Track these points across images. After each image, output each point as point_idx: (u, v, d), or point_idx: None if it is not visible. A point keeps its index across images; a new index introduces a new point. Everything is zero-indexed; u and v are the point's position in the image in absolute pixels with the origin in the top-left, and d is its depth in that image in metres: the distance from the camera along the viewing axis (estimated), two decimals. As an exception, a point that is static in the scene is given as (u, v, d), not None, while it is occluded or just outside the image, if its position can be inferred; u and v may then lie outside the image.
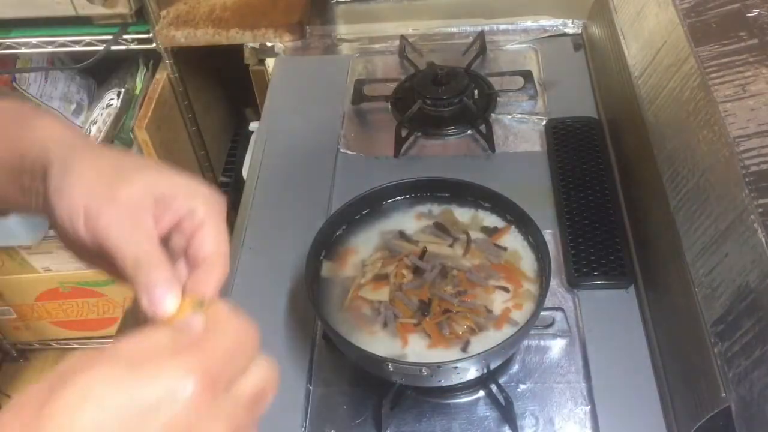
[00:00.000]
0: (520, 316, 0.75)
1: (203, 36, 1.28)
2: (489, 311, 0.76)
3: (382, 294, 0.77)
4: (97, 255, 0.43)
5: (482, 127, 1.06)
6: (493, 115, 1.10)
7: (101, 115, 1.41)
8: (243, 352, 0.36)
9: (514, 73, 1.15)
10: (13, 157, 0.47)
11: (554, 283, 0.86)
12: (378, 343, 0.74)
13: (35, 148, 0.46)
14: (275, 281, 0.90)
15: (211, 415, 0.32)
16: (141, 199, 0.43)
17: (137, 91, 1.45)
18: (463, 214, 0.85)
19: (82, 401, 0.30)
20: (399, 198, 0.86)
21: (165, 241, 0.44)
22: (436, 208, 0.86)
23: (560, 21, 1.25)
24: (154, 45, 1.33)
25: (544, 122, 1.08)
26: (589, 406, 0.76)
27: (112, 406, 0.30)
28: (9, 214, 0.54)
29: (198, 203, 0.45)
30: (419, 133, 1.09)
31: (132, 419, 0.30)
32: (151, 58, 1.45)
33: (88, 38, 1.32)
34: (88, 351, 0.34)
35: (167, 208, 0.44)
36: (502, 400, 0.76)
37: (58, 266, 1.73)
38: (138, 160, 0.48)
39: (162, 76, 1.40)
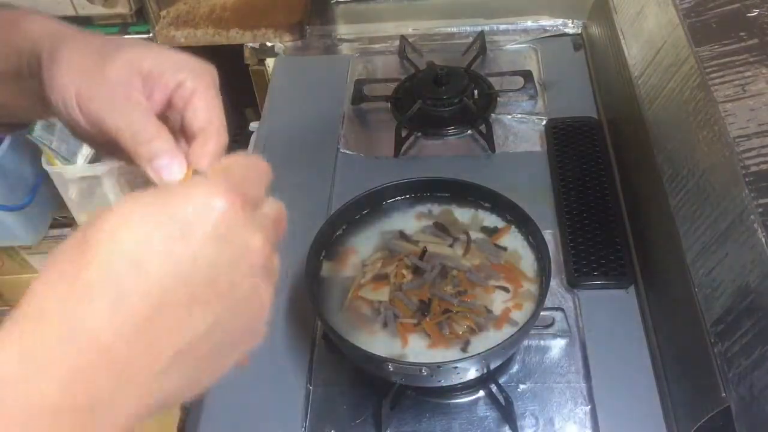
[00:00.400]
0: (520, 316, 0.75)
1: (203, 36, 1.28)
2: (489, 311, 0.76)
3: (382, 294, 0.77)
4: (105, 141, 0.43)
5: (482, 127, 1.06)
6: (493, 115, 1.10)
7: (101, 115, 1.40)
8: (259, 176, 0.37)
9: (514, 73, 1.15)
10: (12, 63, 0.47)
11: (554, 283, 0.86)
12: (378, 343, 0.74)
13: (28, 45, 0.46)
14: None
15: (247, 225, 0.33)
16: (128, 77, 0.43)
17: (137, 91, 1.45)
18: (463, 214, 0.85)
19: (122, 225, 0.31)
20: (399, 198, 0.86)
21: (163, 119, 0.44)
22: (436, 208, 0.86)
23: (560, 21, 1.25)
24: (154, 45, 1.33)
25: (544, 122, 1.08)
26: (589, 406, 0.76)
27: (152, 223, 0.31)
28: (31, 122, 0.53)
29: (185, 75, 0.44)
30: (419, 133, 1.09)
31: (173, 233, 0.31)
32: (151, 58, 1.45)
33: (88, 38, 1.32)
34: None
35: (156, 84, 0.44)
36: (502, 400, 0.76)
37: (58, 266, 1.73)
38: (124, 40, 0.46)
39: (162, 76, 1.40)
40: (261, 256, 0.34)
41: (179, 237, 0.31)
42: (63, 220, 1.62)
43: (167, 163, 0.41)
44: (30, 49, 0.45)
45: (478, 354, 0.70)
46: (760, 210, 0.60)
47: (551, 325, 0.82)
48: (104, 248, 0.30)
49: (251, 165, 0.37)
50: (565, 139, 1.04)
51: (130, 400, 0.30)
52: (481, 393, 0.79)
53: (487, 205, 0.85)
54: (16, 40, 0.46)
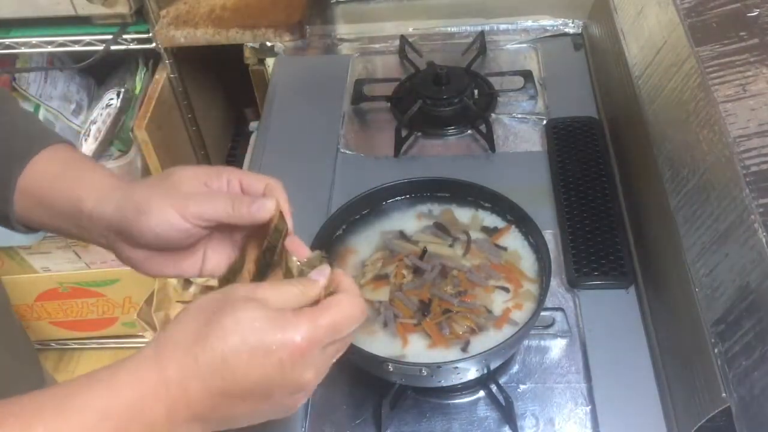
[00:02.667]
0: (520, 316, 0.75)
1: (203, 36, 1.28)
2: (489, 311, 0.76)
3: (382, 294, 0.77)
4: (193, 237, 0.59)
5: (482, 127, 1.06)
6: (493, 115, 1.10)
7: (101, 114, 1.41)
8: (345, 327, 0.50)
9: (514, 73, 1.15)
10: (70, 203, 0.60)
11: (554, 283, 0.86)
12: (378, 343, 0.74)
13: (92, 197, 0.59)
14: (275, 281, 0.90)
15: (307, 364, 0.48)
16: (198, 187, 0.59)
17: (137, 91, 1.45)
18: (463, 214, 0.85)
19: (232, 330, 0.46)
20: (399, 198, 0.86)
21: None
22: (436, 208, 0.86)
23: (560, 21, 1.25)
24: (153, 45, 1.33)
25: (544, 122, 1.08)
26: (589, 406, 0.76)
27: (247, 341, 0.46)
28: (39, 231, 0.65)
29: (228, 173, 0.60)
30: (419, 133, 1.09)
31: (257, 352, 0.46)
32: (151, 58, 1.45)
33: (87, 38, 1.32)
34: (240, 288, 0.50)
35: (211, 188, 0.59)
36: (502, 401, 0.76)
37: (58, 266, 1.73)
38: (173, 173, 0.60)
39: (162, 76, 1.40)
40: (308, 387, 0.49)
41: (259, 357, 0.46)
42: (63, 220, 1.61)
43: (260, 203, 0.57)
44: (94, 203, 0.59)
45: (478, 354, 0.70)
46: (761, 210, 0.60)
47: (551, 325, 0.82)
48: (213, 342, 0.46)
49: (349, 316, 0.50)
50: (565, 139, 1.04)
51: (190, 428, 0.47)
52: (482, 393, 0.79)
53: (487, 205, 0.85)
54: (76, 189, 0.60)
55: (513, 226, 0.83)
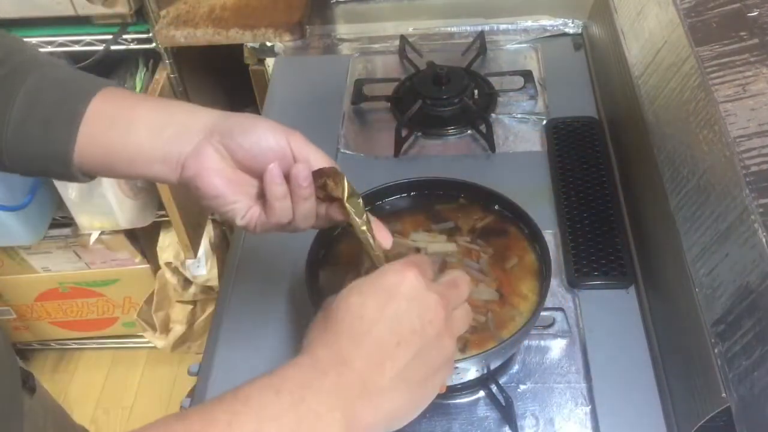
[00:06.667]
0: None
1: (203, 36, 1.28)
2: (489, 311, 0.75)
3: (382, 294, 0.77)
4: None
5: (482, 127, 1.06)
6: (493, 115, 1.10)
7: (101, 115, 1.40)
8: (429, 264, 0.54)
9: (514, 73, 1.15)
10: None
11: (554, 283, 0.86)
12: (378, 343, 0.74)
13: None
14: (275, 281, 0.90)
15: (426, 289, 0.50)
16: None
17: (137, 91, 1.45)
18: (462, 214, 0.85)
19: (351, 295, 0.50)
20: (399, 198, 0.86)
21: None
22: (436, 208, 0.86)
23: (560, 21, 1.25)
24: (153, 45, 1.33)
25: (544, 122, 1.08)
26: (590, 406, 0.76)
27: (367, 292, 0.50)
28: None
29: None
30: (419, 133, 1.09)
31: (381, 297, 0.49)
32: (151, 58, 1.46)
33: (87, 38, 1.32)
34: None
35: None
36: (502, 401, 0.76)
37: (57, 266, 1.73)
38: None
39: (162, 76, 1.40)
40: (439, 308, 0.50)
41: (384, 299, 0.49)
42: (63, 220, 1.62)
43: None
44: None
45: (478, 354, 0.70)
46: (761, 210, 0.60)
47: (551, 325, 0.82)
48: (337, 313, 0.49)
49: (424, 259, 0.55)
50: (565, 139, 1.04)
51: (367, 408, 0.46)
52: (481, 393, 0.79)
53: (487, 205, 0.85)
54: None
55: (513, 227, 0.83)
